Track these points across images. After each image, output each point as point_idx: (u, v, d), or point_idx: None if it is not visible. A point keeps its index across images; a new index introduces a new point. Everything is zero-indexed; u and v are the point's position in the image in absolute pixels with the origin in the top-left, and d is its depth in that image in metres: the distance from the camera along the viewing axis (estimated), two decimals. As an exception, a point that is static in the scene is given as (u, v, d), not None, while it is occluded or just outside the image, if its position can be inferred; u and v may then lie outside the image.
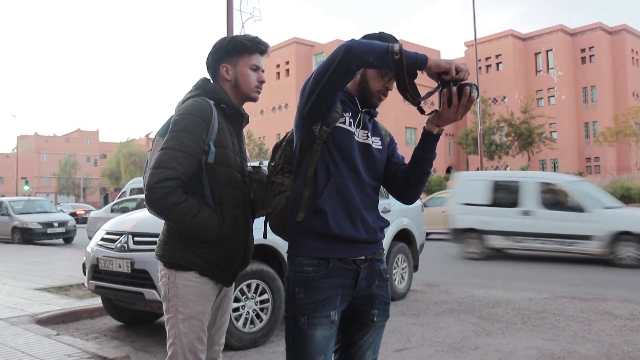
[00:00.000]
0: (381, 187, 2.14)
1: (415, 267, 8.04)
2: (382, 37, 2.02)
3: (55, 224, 18.54)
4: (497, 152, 41.41)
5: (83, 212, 34.09)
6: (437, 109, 1.90)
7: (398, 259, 7.53)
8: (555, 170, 51.54)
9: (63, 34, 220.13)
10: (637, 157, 47.86)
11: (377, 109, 2.14)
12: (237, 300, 4.97)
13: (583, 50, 54.87)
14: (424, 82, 2.11)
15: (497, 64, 56.61)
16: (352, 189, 1.96)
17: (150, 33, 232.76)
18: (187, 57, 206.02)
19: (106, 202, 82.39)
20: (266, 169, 2.26)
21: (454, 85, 1.80)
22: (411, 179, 2.07)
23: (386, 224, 2.08)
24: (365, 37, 2.06)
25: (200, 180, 2.10)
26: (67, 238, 18.99)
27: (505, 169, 50.78)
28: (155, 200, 1.99)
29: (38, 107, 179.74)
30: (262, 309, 5.14)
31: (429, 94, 1.88)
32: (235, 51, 2.21)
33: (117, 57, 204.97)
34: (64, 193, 78.40)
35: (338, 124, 1.96)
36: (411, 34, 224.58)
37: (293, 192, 2.01)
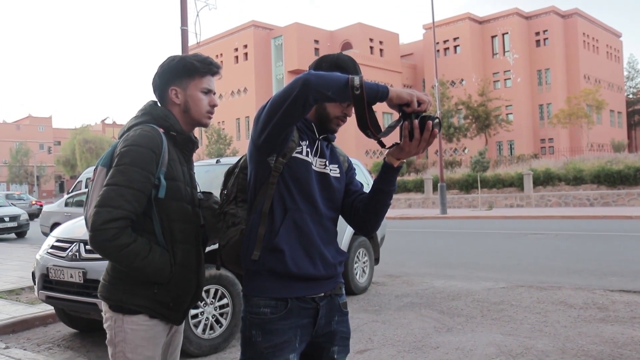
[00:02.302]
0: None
1: (377, 260, 8.07)
2: (340, 59, 1.95)
3: (7, 219, 17.92)
4: (455, 134, 42.04)
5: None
6: (398, 142, 1.83)
7: (359, 253, 7.53)
8: (511, 152, 52.70)
9: (11, 14, 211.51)
10: (588, 139, 49.32)
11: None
12: (195, 306, 4.85)
13: (537, 34, 55.93)
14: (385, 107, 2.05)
15: (455, 47, 57.23)
16: (310, 225, 1.89)
17: (103, 15, 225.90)
18: (140, 43, 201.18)
19: (62, 190, 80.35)
20: (219, 194, 2.16)
21: (416, 118, 1.73)
22: (370, 211, 1.99)
23: (345, 256, 2.01)
24: (323, 59, 1.99)
25: (149, 216, 1.96)
26: (20, 233, 18.41)
27: (463, 151, 51.69)
28: (102, 242, 1.84)
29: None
30: (221, 314, 5.04)
31: (390, 128, 1.80)
32: (185, 73, 2.07)
33: (68, 39, 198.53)
34: (16, 182, 76.03)
35: (295, 154, 1.88)
36: (371, 16, 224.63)
37: (248, 226, 1.90)
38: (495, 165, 36.53)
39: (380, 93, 1.69)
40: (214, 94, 2.14)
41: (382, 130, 1.78)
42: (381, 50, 58.20)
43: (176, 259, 1.99)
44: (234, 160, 5.61)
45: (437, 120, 1.73)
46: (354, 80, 1.66)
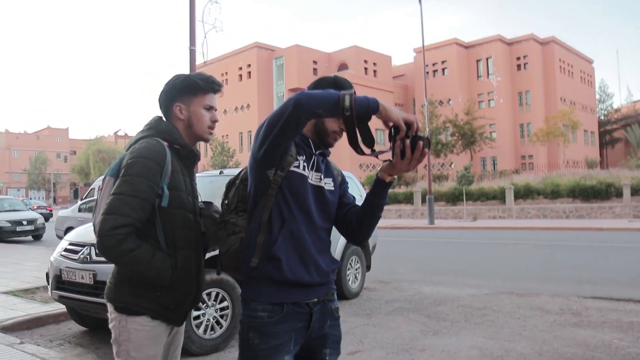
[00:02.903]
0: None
1: (368, 267, 8.04)
2: (337, 81, 1.95)
3: (25, 222, 17.88)
4: (442, 150, 42.11)
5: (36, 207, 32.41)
6: (391, 159, 1.83)
7: (352, 260, 7.50)
8: (494, 168, 52.78)
9: (32, 31, 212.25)
10: (565, 156, 49.49)
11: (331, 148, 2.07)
12: (197, 308, 4.81)
13: (518, 58, 56.17)
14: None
15: (443, 69, 57.44)
16: (305, 235, 1.88)
17: (119, 36, 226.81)
18: (151, 60, 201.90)
19: (76, 196, 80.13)
20: (220, 204, 2.14)
21: (407, 138, 1.72)
22: (363, 223, 1.99)
23: (338, 265, 2.00)
24: (320, 81, 1.99)
25: (153, 223, 1.95)
26: (36, 235, 18.36)
27: (450, 166, 51.75)
28: (109, 247, 1.84)
29: (8, 104, 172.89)
30: (222, 316, 5.00)
31: (381, 152, 1.81)
32: (188, 90, 2.07)
33: (84, 54, 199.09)
34: (34, 188, 75.87)
35: (292, 168, 1.87)
36: (366, 40, 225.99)
37: (247, 235, 1.90)
38: (480, 180, 36.56)
39: (370, 108, 1.66)
40: (216, 110, 2.14)
41: (374, 148, 1.77)
42: (375, 71, 58.41)
43: (177, 264, 1.98)
44: (236, 171, 5.60)
45: (427, 140, 1.72)
46: (344, 101, 1.64)
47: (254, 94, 57.19)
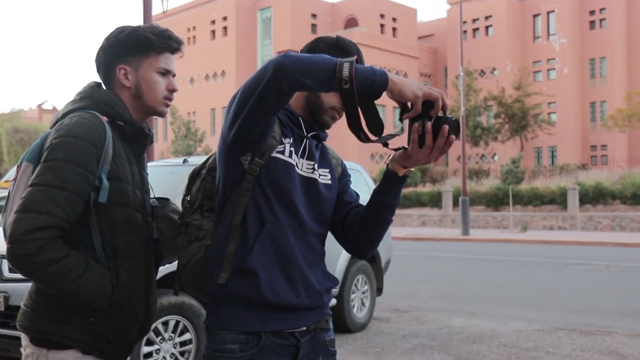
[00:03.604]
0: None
1: (379, 290, 8.09)
2: (340, 44, 1.99)
3: None
4: (483, 137, 42.23)
5: None
6: (405, 146, 1.85)
7: (358, 280, 7.55)
8: (553, 161, 52.91)
9: None
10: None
11: (329, 130, 2.10)
12: (150, 342, 4.84)
13: (592, 13, 55.98)
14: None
15: (487, 27, 57.57)
16: (291, 241, 1.91)
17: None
18: (93, 12, 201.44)
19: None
20: (180, 202, 2.17)
21: (429, 120, 1.74)
22: (366, 228, 2.02)
23: (334, 283, 2.04)
24: (318, 42, 2.03)
25: (87, 225, 1.93)
26: None
27: (492, 158, 51.87)
28: (23, 257, 1.77)
29: None
30: (182, 353, 5.04)
31: (391, 136, 1.82)
32: (137, 48, 2.06)
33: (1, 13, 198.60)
34: None
35: (275, 154, 1.90)
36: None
37: (214, 242, 1.92)
38: (532, 177, 36.67)
39: (376, 84, 1.67)
40: (174, 75, 2.15)
41: (382, 131, 1.77)
42: (394, 29, 58.54)
43: (119, 280, 1.97)
44: (202, 159, 5.62)
45: (455, 124, 1.74)
46: (342, 71, 1.65)
47: (232, 58, 57.23)
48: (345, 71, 1.65)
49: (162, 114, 2.15)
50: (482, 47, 56.33)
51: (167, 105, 2.15)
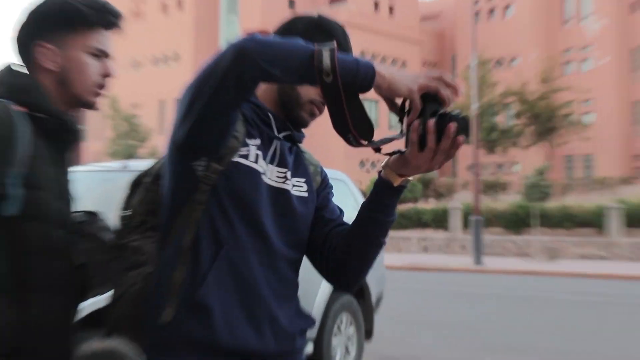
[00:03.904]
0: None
1: (368, 334, 8.03)
2: (322, 24, 2.03)
3: None
4: (500, 141, 42.51)
5: None
6: (402, 150, 1.84)
7: (341, 320, 7.47)
8: (588, 173, 53.24)
9: None
10: None
11: (307, 130, 2.13)
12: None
13: (635, -9, 56.83)
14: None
15: (506, 7, 58.29)
16: (256, 268, 1.91)
17: None
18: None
19: None
20: (116, 217, 2.14)
21: (432, 117, 1.73)
22: (354, 252, 2.04)
23: (310, 323, 2.07)
24: (295, 21, 2.07)
25: None
26: None
27: (512, 168, 52.18)
28: None
29: None
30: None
31: (388, 139, 1.83)
32: (63, 22, 2.04)
33: None
34: None
35: (237, 159, 1.92)
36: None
37: (157, 269, 1.93)
38: (562, 193, 37.01)
39: (360, 77, 1.70)
40: (108, 57, 2.13)
41: (372, 133, 1.79)
42: (391, 8, 59.16)
43: (29, 316, 1.94)
44: (147, 165, 5.60)
45: (463, 122, 1.73)
46: (321, 58, 1.67)
47: (188, 38, 57.39)
48: (327, 60, 1.67)
49: (91, 106, 2.12)
50: (500, 31, 56.95)
51: (99, 95, 2.13)
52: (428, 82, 1.72)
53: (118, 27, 2.15)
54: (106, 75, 2.13)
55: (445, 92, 1.73)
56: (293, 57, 1.70)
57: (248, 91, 1.80)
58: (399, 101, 1.79)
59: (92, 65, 2.10)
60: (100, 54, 2.12)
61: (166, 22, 59.18)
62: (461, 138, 1.74)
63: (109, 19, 2.11)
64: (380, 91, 1.73)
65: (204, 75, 1.78)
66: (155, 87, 58.66)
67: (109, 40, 2.13)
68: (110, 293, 2.01)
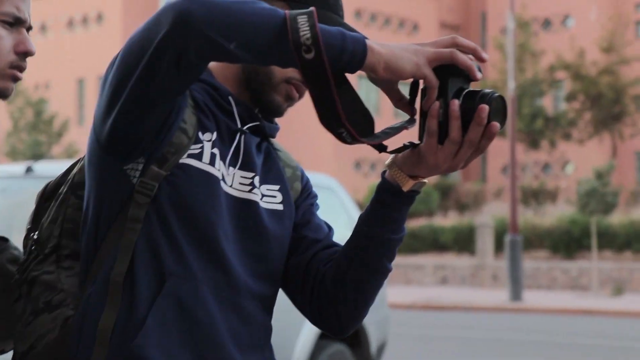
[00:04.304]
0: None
1: (366, 395, 8.10)
2: None
3: None
4: (547, 133, 42.54)
5: None
6: (415, 142, 1.83)
7: (330, 378, 7.56)
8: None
9: None
10: None
11: (282, 120, 2.12)
12: None
13: None
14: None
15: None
16: (211, 308, 1.88)
17: None
18: None
19: None
20: (19, 241, 2.15)
21: (455, 97, 1.73)
22: (347, 283, 1.99)
23: None
24: None
25: None
26: None
27: (562, 169, 52.28)
28: None
29: None
30: None
31: (393, 130, 1.82)
32: None
33: None
34: None
35: (186, 160, 1.88)
36: None
37: (80, 310, 1.90)
38: (632, 203, 37.05)
39: (346, 56, 1.64)
40: (29, 29, 2.13)
41: (371, 127, 1.77)
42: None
43: None
44: (62, 168, 5.64)
45: (499, 103, 1.73)
46: (297, 26, 1.62)
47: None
48: (305, 29, 1.63)
49: (4, 93, 2.12)
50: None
51: (15, 79, 2.12)
52: (439, 52, 1.69)
53: None
54: (23, 51, 2.11)
55: (463, 60, 1.68)
56: (257, 26, 1.65)
57: (193, 72, 1.77)
58: (405, 91, 1.79)
59: (3, 38, 2.11)
60: (15, 23, 2.10)
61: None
62: (496, 125, 1.70)
63: None
64: (377, 74, 1.69)
65: (133, 49, 1.76)
66: (71, 60, 58.16)
67: (27, 3, 2.14)
68: (15, 346, 2.01)
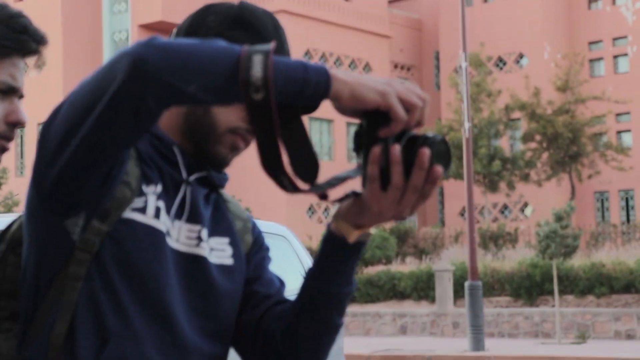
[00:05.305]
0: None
1: None
2: (244, 17, 1.99)
3: None
4: (505, 175, 42.85)
5: None
6: (357, 191, 1.82)
7: None
8: (629, 217, 53.87)
9: None
10: None
11: (229, 170, 2.11)
12: None
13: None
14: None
15: (507, -17, 59.06)
16: None
17: None
18: None
19: None
20: None
21: (397, 141, 1.73)
22: (299, 340, 2.02)
23: None
24: (209, 11, 2.03)
25: None
26: None
27: (522, 211, 52.66)
28: None
29: None
30: None
31: (337, 180, 1.79)
32: None
33: None
34: None
35: (130, 214, 1.88)
36: None
37: None
38: (593, 245, 37.37)
39: (310, 88, 1.63)
40: (20, 96, 2.10)
41: (316, 172, 1.75)
42: (346, -15, 59.54)
43: None
44: (2, 222, 5.66)
45: (441, 146, 1.72)
46: (250, 66, 1.60)
47: (55, 34, 57.18)
48: (257, 69, 1.61)
49: None
50: (501, 20, 57.63)
51: (3, 150, 2.09)
52: (412, 92, 1.69)
53: (38, 54, 2.13)
54: (14, 121, 2.09)
55: (419, 107, 1.68)
56: (215, 66, 1.64)
57: (152, 120, 1.75)
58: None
59: None
60: (8, 92, 2.09)
61: (25, 8, 58.98)
62: (439, 169, 1.71)
63: (28, 45, 2.08)
64: (341, 102, 1.68)
65: (84, 98, 1.73)
66: (11, 106, 58.36)
67: (23, 72, 2.11)
68: None
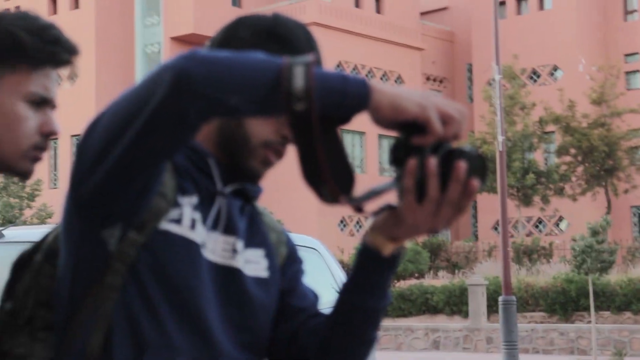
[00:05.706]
0: None
1: None
2: (281, 25, 1.99)
3: None
4: (539, 189, 42.51)
5: None
6: (393, 204, 1.82)
7: None
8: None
9: None
10: None
11: (262, 182, 2.10)
12: None
13: None
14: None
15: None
16: None
17: None
18: None
19: None
20: None
21: (433, 153, 1.72)
22: (333, 354, 2.02)
23: None
24: (240, 25, 2.04)
25: None
26: None
27: (556, 225, 52.22)
28: None
29: None
30: None
31: (375, 192, 1.79)
32: None
33: None
34: None
35: (166, 225, 1.88)
36: None
37: None
38: (631, 260, 36.99)
39: (348, 99, 1.62)
40: (53, 107, 2.09)
41: (352, 183, 1.74)
42: (378, 1, 59.28)
43: None
44: (37, 235, 5.63)
45: (478, 160, 1.72)
46: (292, 78, 1.60)
47: (88, 48, 57.27)
48: (299, 80, 1.60)
49: (25, 175, 2.08)
50: (535, 32, 57.28)
51: (36, 159, 2.08)
52: (450, 105, 1.69)
53: (71, 65, 2.11)
54: (47, 132, 2.09)
55: (458, 120, 1.69)
56: (255, 80, 1.64)
57: (191, 133, 1.75)
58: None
59: (29, 119, 2.07)
60: (42, 102, 2.08)
61: (59, 22, 59.11)
62: (476, 182, 1.72)
63: (61, 55, 2.05)
64: (379, 114, 1.66)
65: (126, 110, 1.73)
66: (43, 119, 58.39)
67: (55, 83, 2.11)
68: None
